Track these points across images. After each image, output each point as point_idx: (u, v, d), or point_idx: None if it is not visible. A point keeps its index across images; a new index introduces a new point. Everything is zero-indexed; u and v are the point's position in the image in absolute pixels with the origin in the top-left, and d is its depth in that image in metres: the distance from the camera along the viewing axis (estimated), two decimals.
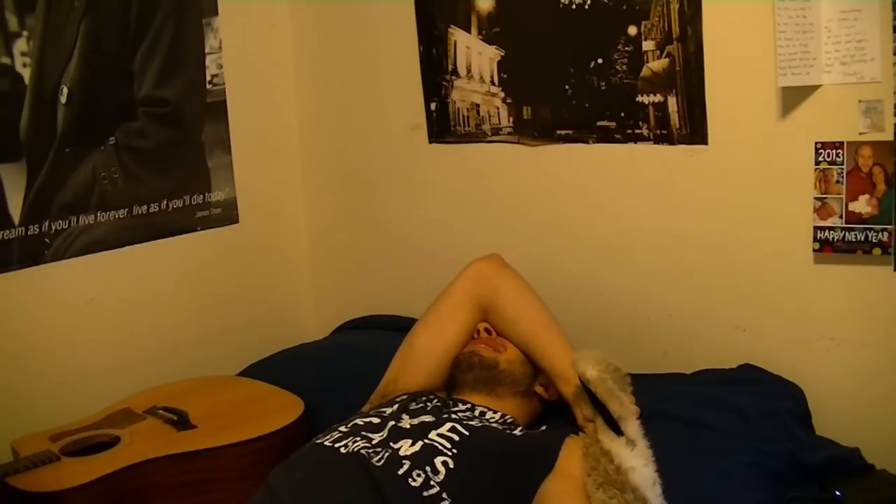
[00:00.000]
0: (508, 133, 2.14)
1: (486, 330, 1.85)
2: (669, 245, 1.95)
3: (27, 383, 1.98)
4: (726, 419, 1.68)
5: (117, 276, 2.15)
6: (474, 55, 2.15)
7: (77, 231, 2.06)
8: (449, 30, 2.18)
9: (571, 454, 1.56)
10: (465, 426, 1.57)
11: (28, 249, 1.97)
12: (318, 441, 1.57)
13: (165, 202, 2.23)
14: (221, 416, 1.86)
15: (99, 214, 2.09)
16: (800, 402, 1.77)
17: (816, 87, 1.70)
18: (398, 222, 2.40)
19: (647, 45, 1.88)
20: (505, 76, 2.12)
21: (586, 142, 2.02)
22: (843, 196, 1.71)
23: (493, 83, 2.14)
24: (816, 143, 1.73)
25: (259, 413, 1.87)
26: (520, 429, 1.65)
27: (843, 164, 1.71)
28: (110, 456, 1.69)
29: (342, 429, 1.58)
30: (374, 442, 1.52)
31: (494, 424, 1.63)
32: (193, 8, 2.26)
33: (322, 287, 2.61)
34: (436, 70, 2.22)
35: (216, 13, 2.30)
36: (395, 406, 1.66)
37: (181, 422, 1.83)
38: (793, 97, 1.73)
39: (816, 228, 1.75)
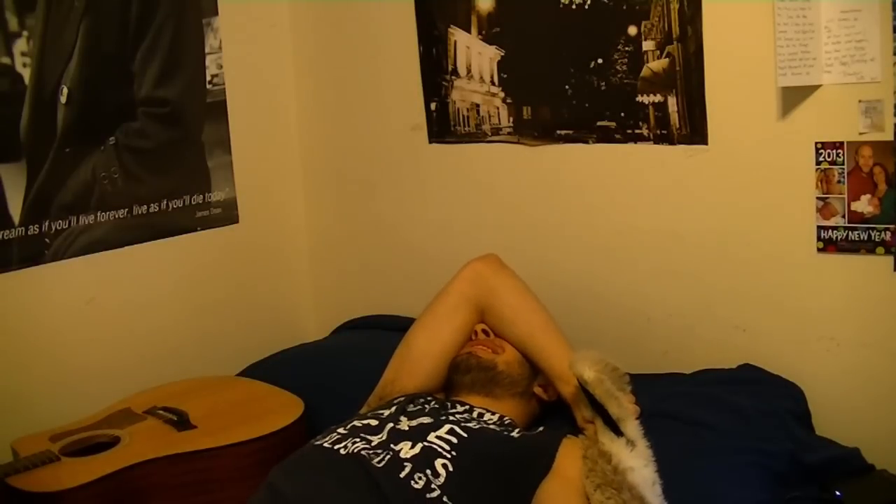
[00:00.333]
0: (508, 133, 2.14)
1: (484, 331, 1.85)
2: (669, 245, 1.95)
3: (27, 383, 1.98)
4: (726, 419, 1.68)
5: (117, 276, 2.15)
6: (474, 55, 2.15)
7: (77, 231, 2.06)
8: (449, 30, 2.18)
9: (569, 455, 1.56)
10: (464, 428, 1.57)
11: (28, 249, 1.97)
12: (318, 443, 1.56)
13: (165, 202, 2.23)
14: (221, 416, 1.86)
15: (99, 214, 2.09)
16: (800, 402, 1.77)
17: (816, 87, 1.70)
18: (398, 222, 2.40)
19: (647, 45, 1.88)
20: (505, 76, 2.12)
21: (586, 142, 2.02)
22: (845, 196, 1.72)
23: (493, 83, 2.14)
24: (816, 143, 1.73)
25: (259, 413, 1.87)
26: (517, 430, 1.65)
27: (843, 164, 1.71)
28: (110, 456, 1.69)
29: (341, 430, 1.58)
30: (373, 444, 1.52)
31: (492, 426, 1.63)
32: (193, 8, 2.26)
33: (322, 287, 2.61)
34: (436, 70, 2.22)
35: (216, 13, 2.30)
36: (393, 408, 1.66)
37: (181, 422, 1.83)
38: (793, 97, 1.73)
39: (820, 228, 1.75)
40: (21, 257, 1.96)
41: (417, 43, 2.24)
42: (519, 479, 1.51)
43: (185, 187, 2.27)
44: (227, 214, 2.38)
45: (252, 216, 2.43)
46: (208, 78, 2.30)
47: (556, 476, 1.53)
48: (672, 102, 1.88)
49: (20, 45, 1.93)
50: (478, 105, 2.17)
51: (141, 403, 1.93)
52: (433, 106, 2.25)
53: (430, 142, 2.28)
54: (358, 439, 1.53)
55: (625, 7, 1.89)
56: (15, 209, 1.95)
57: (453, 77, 2.20)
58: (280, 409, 1.88)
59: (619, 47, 1.92)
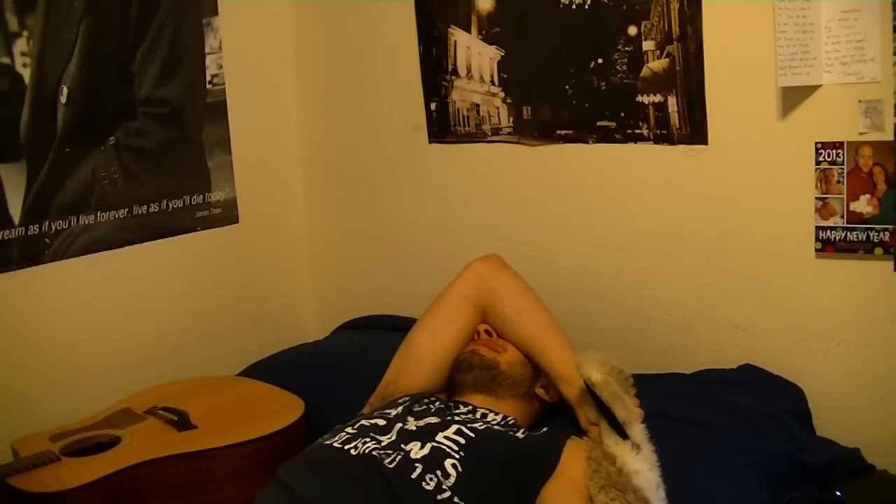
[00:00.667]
0: (508, 133, 2.14)
1: (487, 331, 1.85)
2: (669, 245, 1.95)
3: (27, 383, 1.98)
4: (726, 419, 1.68)
5: (117, 276, 2.15)
6: (474, 55, 2.15)
7: (77, 231, 2.06)
8: (449, 30, 2.18)
9: (573, 456, 1.56)
10: (470, 428, 1.57)
11: (28, 249, 1.97)
12: (327, 442, 1.56)
13: (165, 202, 2.23)
14: (222, 416, 1.86)
15: (99, 214, 2.09)
16: (800, 402, 1.77)
17: (816, 87, 1.70)
18: (398, 222, 2.40)
19: (647, 45, 1.88)
20: (505, 76, 2.12)
21: (586, 142, 2.02)
22: (845, 196, 1.72)
23: (493, 83, 2.14)
24: (816, 143, 1.73)
25: (259, 413, 1.87)
26: (522, 431, 1.65)
27: (843, 164, 1.71)
28: (110, 456, 1.69)
29: (349, 430, 1.58)
30: (383, 444, 1.52)
31: (496, 427, 1.63)
32: (193, 8, 2.26)
33: (322, 287, 2.61)
34: (436, 70, 2.22)
35: (216, 13, 2.30)
36: (400, 408, 1.66)
37: (181, 422, 1.83)
38: (793, 97, 1.73)
39: (818, 228, 1.75)
40: (21, 257, 1.96)
41: (417, 43, 2.24)
42: (524, 480, 1.51)
43: (185, 187, 2.27)
44: (227, 214, 2.38)
45: (252, 216, 2.43)
46: (208, 78, 2.30)
47: (560, 477, 1.53)
48: (672, 102, 1.88)
49: (20, 45, 1.93)
50: (478, 105, 2.17)
51: (141, 403, 1.93)
52: (433, 106, 2.25)
53: (430, 142, 2.28)
54: (368, 439, 1.53)
55: (625, 7, 1.89)
56: (15, 209, 1.95)
57: (453, 77, 2.20)
58: (280, 409, 1.88)
59: (619, 47, 1.92)
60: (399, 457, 1.48)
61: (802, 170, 1.75)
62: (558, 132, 2.06)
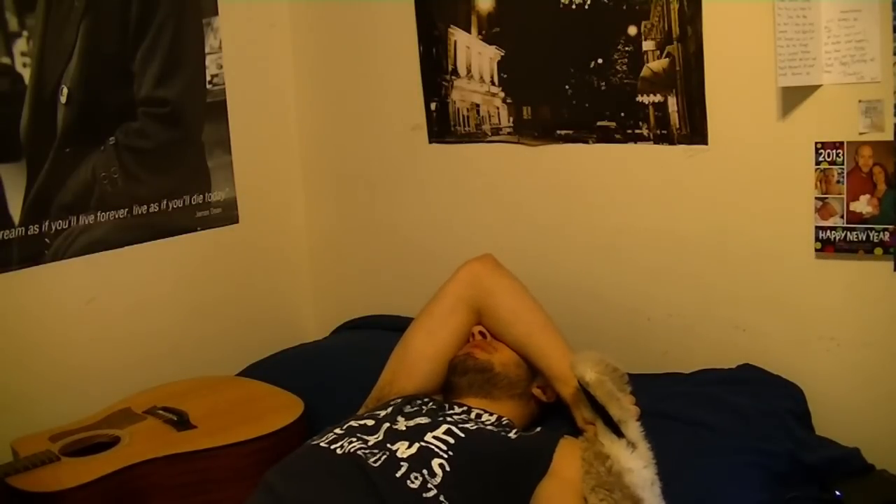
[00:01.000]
0: (508, 133, 2.14)
1: (481, 333, 1.84)
2: (669, 245, 1.95)
3: (27, 383, 1.98)
4: (726, 419, 1.68)
5: (117, 276, 2.15)
6: (474, 55, 2.15)
7: (77, 231, 2.06)
8: (449, 30, 2.18)
9: (568, 455, 1.56)
10: (461, 428, 1.57)
11: (28, 249, 1.97)
12: (314, 442, 1.57)
13: (165, 202, 2.23)
14: (221, 416, 1.86)
15: (99, 214, 2.09)
16: (800, 402, 1.77)
17: (816, 87, 1.70)
18: (398, 222, 2.40)
19: (647, 45, 1.88)
20: (505, 76, 2.12)
21: (586, 142, 2.02)
22: (844, 196, 1.72)
23: (493, 83, 2.14)
24: (816, 143, 1.73)
25: (259, 413, 1.87)
26: (515, 431, 1.64)
27: (843, 164, 1.71)
28: (110, 456, 1.69)
29: (337, 430, 1.58)
30: (370, 443, 1.52)
31: (490, 427, 1.63)
32: (193, 8, 2.26)
33: (322, 287, 2.61)
34: (436, 70, 2.22)
35: (216, 13, 2.30)
36: (390, 409, 1.66)
37: (181, 422, 1.83)
38: (793, 97, 1.73)
39: (818, 228, 1.75)
40: (21, 257, 1.96)
41: (417, 43, 2.24)
42: (517, 480, 1.51)
43: (185, 187, 2.27)
44: (227, 214, 2.38)
45: (252, 216, 2.43)
46: (208, 78, 2.30)
47: (555, 476, 1.53)
48: (672, 102, 1.88)
49: (20, 45, 1.93)
50: (478, 105, 2.17)
51: (141, 403, 1.93)
52: (433, 106, 2.25)
53: (430, 142, 2.28)
54: (354, 439, 1.53)
55: (625, 7, 1.89)
56: (15, 209, 1.95)
57: (453, 77, 2.20)
58: (280, 409, 1.88)
59: (619, 47, 1.92)
60: (384, 456, 1.48)
61: (802, 170, 1.75)
62: (558, 132, 2.06)
